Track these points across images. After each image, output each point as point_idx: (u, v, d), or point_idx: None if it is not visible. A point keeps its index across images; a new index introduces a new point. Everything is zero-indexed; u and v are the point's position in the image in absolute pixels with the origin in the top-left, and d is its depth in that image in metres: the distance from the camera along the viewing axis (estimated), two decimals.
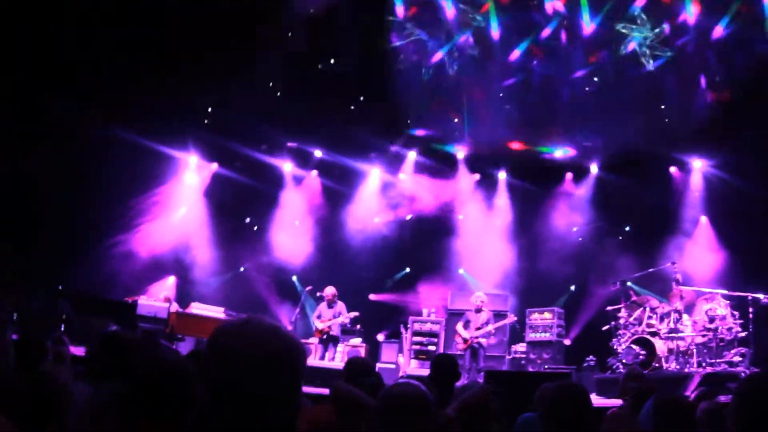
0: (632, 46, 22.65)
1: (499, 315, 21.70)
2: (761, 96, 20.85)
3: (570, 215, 25.06)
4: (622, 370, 17.83)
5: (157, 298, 21.48)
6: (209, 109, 24.29)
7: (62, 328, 16.76)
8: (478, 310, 20.91)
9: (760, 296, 18.36)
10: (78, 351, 12.48)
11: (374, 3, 23.79)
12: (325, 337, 20.94)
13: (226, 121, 24.11)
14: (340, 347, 22.04)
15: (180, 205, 25.47)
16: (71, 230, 22.13)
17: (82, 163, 22.00)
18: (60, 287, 19.15)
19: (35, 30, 19.78)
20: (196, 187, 25.80)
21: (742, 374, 16.25)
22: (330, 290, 21.46)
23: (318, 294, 21.79)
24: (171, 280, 24.58)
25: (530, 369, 21.86)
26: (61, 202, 21.70)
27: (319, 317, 21.28)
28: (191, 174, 25.81)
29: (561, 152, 24.95)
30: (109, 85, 21.30)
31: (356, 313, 21.57)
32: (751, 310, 18.29)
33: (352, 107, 24.80)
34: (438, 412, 5.84)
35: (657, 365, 18.40)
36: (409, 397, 4.48)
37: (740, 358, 17.91)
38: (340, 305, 21.39)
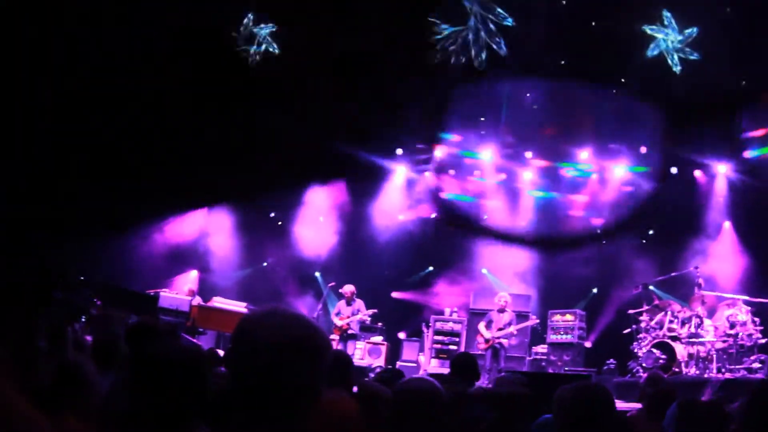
0: (659, 48, 22.56)
1: (521, 316, 21.73)
2: None
3: (594, 217, 24.98)
4: (642, 374, 17.82)
5: (181, 291, 21.60)
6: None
7: (83, 319, 16.85)
8: (501, 311, 20.91)
9: None
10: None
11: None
12: (344, 334, 21.00)
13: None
14: (360, 344, 22.15)
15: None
16: (94, 222, 22.25)
17: (111, 154, 22.19)
18: (83, 278, 19.24)
19: None
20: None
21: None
22: (349, 288, 21.52)
23: (339, 291, 21.86)
24: (194, 274, 24.68)
25: (550, 370, 21.83)
26: (85, 193, 21.82)
27: (338, 314, 21.34)
28: None
29: (585, 154, 24.87)
30: None
31: (374, 310, 21.61)
32: None
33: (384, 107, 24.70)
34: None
35: (677, 370, 18.35)
36: (421, 392, 4.56)
37: (759, 365, 17.82)
38: (359, 303, 21.44)
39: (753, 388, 4.64)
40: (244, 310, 21.00)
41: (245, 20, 23.98)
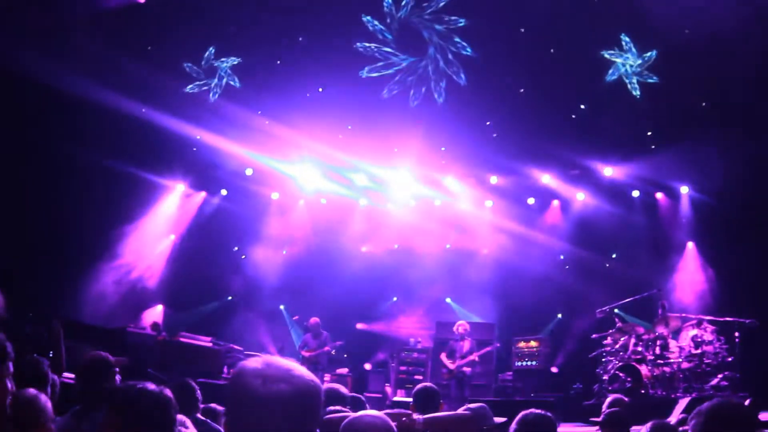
0: (619, 73, 22.63)
1: (483, 343, 21.66)
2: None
3: (557, 242, 24.95)
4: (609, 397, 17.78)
5: (146, 326, 21.42)
6: (198, 137, 24.27)
7: (50, 354, 16.61)
8: (462, 339, 20.90)
9: (747, 321, 18.40)
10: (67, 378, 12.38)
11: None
12: (312, 368, 20.83)
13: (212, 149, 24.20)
14: (326, 377, 22.00)
15: (168, 233, 25.47)
16: (61, 257, 22.25)
17: (71, 190, 22.17)
18: (49, 313, 19.05)
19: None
20: (184, 215, 25.74)
21: (734, 399, 16.17)
22: (314, 320, 21.47)
23: (305, 324, 21.74)
24: (159, 309, 24.49)
25: (517, 398, 21.72)
26: (50, 229, 21.94)
27: (305, 347, 21.21)
28: (180, 202, 25.79)
29: (548, 178, 24.86)
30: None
31: (340, 342, 21.55)
32: (737, 334, 18.34)
33: (340, 136, 24.74)
34: None
35: (643, 392, 18.36)
36: (370, 428, 4.42)
37: (726, 383, 17.93)
38: (326, 335, 21.35)
39: (702, 409, 4.68)
40: (210, 345, 21.07)
41: (206, 53, 23.91)
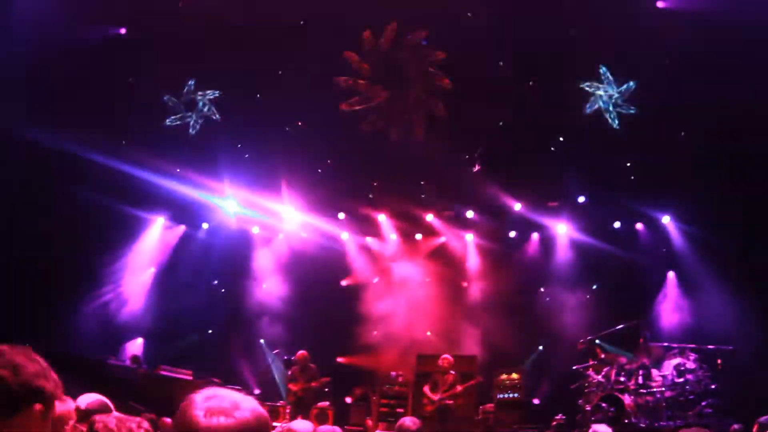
0: (597, 104, 22.74)
1: (467, 376, 21.58)
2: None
3: (537, 275, 24.96)
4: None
5: (126, 359, 21.33)
6: (177, 170, 24.30)
7: None
8: (445, 372, 20.84)
9: (729, 348, 18.46)
10: None
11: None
12: (300, 401, 20.78)
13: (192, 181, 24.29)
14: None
15: (148, 266, 25.34)
16: (41, 287, 22.22)
17: (53, 223, 22.18)
18: (29, 344, 18.89)
19: None
20: (164, 249, 25.65)
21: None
22: (301, 354, 21.43)
23: (286, 357, 21.65)
24: (139, 341, 24.33)
25: (499, 430, 21.67)
26: (30, 258, 21.94)
27: (293, 380, 21.14)
28: (160, 235, 25.71)
29: (527, 213, 24.89)
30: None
31: (328, 379, 21.51)
32: (720, 362, 18.39)
33: (319, 170, 24.81)
34: None
35: (627, 421, 18.33)
36: None
37: (710, 410, 17.97)
38: (314, 369, 21.34)
39: None
40: (190, 378, 21.04)
41: (186, 86, 23.99)
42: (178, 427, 3.09)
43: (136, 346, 24.04)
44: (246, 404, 3.10)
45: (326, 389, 23.26)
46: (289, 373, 21.57)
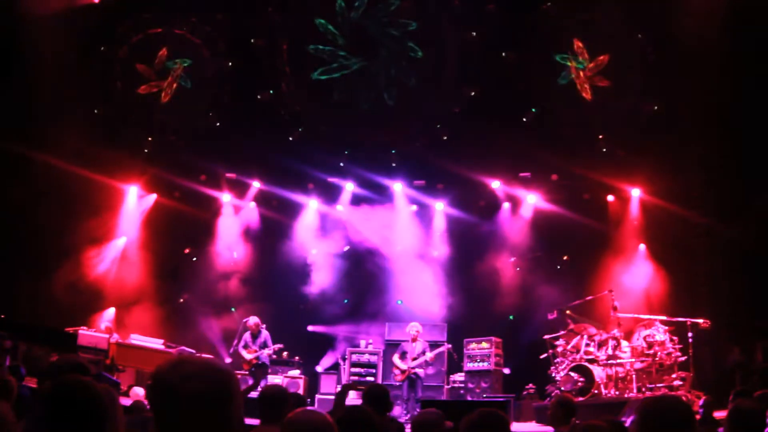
0: (571, 76, 22.84)
1: (435, 345, 21.65)
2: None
3: (508, 245, 25.03)
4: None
5: (98, 329, 21.28)
6: (149, 139, 24.29)
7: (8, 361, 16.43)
8: (414, 340, 20.91)
9: (699, 321, 18.61)
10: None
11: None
12: (253, 368, 20.78)
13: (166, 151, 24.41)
14: (277, 378, 21.91)
15: (120, 235, 25.27)
16: (12, 259, 22.33)
17: (24, 193, 22.09)
18: (2, 316, 18.90)
19: None
20: (136, 218, 25.57)
21: (683, 398, 16.34)
22: (254, 320, 21.49)
23: (245, 323, 21.65)
24: (111, 311, 24.24)
25: (469, 398, 21.80)
26: (2, 231, 22.07)
27: (245, 347, 21.15)
28: (132, 204, 25.58)
29: (497, 183, 24.92)
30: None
31: (280, 345, 21.51)
32: (690, 334, 18.57)
33: (290, 138, 24.81)
34: None
35: (596, 391, 18.52)
36: (310, 424, 4.46)
37: (680, 382, 18.17)
38: (265, 334, 21.32)
39: (639, 405, 4.86)
40: (162, 347, 21.31)
41: (159, 55, 24.00)
42: (152, 395, 3.18)
43: (108, 315, 23.92)
44: (216, 366, 3.21)
45: (296, 357, 23.37)
46: (243, 339, 21.51)
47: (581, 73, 22.81)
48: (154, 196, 25.91)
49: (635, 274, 22.80)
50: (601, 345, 19.60)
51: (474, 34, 23.33)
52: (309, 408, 4.86)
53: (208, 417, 3.09)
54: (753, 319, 20.13)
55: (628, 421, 11.33)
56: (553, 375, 20.03)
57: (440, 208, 25.98)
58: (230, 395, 3.17)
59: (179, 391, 3.07)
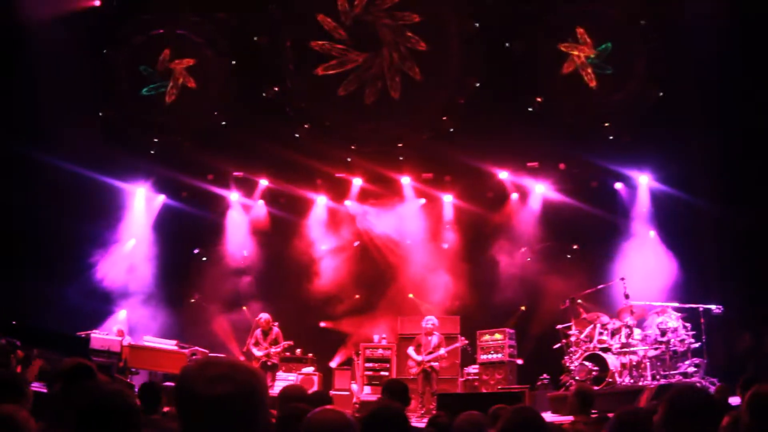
0: (574, 65, 22.80)
1: (449, 338, 21.68)
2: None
3: (518, 236, 24.99)
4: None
5: (110, 332, 21.30)
6: (155, 140, 24.33)
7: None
8: (429, 334, 20.92)
9: (712, 307, 18.57)
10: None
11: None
12: (264, 365, 20.79)
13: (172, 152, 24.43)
14: (292, 376, 21.94)
15: (129, 237, 25.30)
16: (24, 262, 22.64)
17: (33, 197, 22.30)
18: (14, 322, 18.90)
19: None
20: (144, 219, 25.62)
21: (698, 384, 16.35)
22: (265, 317, 21.48)
23: (256, 320, 21.65)
24: (123, 314, 24.28)
25: (483, 390, 21.77)
26: (13, 235, 22.15)
27: (255, 344, 21.14)
28: (140, 205, 25.62)
29: (505, 174, 24.89)
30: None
31: (290, 342, 21.52)
32: (702, 320, 18.55)
33: (297, 135, 24.80)
34: None
35: (610, 380, 18.46)
36: (330, 424, 4.44)
37: (695, 369, 18.17)
38: (276, 331, 21.31)
39: (667, 394, 4.87)
40: (175, 348, 21.31)
41: (161, 56, 24.04)
42: (178, 400, 3.16)
43: (120, 318, 23.97)
44: (243, 368, 3.18)
45: (309, 354, 23.42)
46: (253, 337, 21.50)
47: (585, 61, 22.77)
48: (162, 197, 25.93)
49: (646, 262, 22.72)
50: (614, 333, 19.52)
51: (477, 25, 23.29)
52: (329, 407, 4.81)
53: (236, 419, 3.06)
54: (764, 304, 20.13)
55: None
56: (567, 365, 19.94)
57: (449, 200, 25.92)
58: (258, 397, 3.14)
59: (206, 394, 3.05)
